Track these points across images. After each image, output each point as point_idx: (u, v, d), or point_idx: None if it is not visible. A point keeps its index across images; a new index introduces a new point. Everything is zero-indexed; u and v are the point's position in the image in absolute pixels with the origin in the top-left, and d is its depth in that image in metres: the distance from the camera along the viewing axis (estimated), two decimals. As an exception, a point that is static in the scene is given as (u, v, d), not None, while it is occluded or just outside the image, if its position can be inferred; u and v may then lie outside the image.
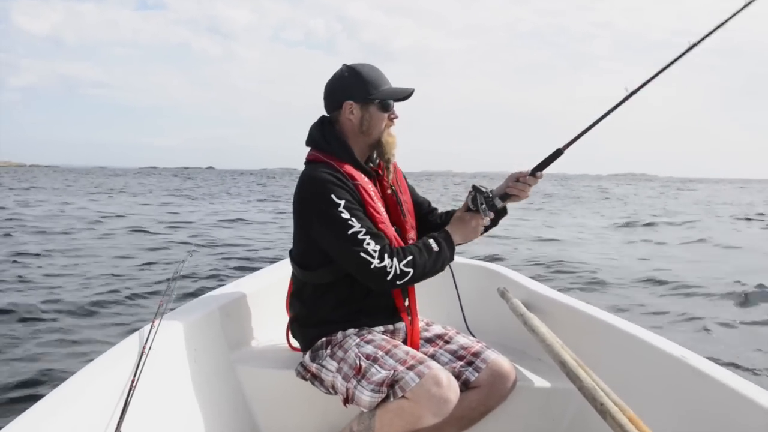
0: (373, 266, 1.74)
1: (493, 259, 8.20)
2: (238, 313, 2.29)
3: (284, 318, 2.11)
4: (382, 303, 1.91)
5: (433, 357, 1.86)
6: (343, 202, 1.77)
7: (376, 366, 1.70)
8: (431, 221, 2.16)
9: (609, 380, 1.65)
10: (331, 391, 1.85)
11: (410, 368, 1.64)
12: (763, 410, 1.39)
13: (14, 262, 7.70)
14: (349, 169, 1.86)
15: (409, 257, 1.79)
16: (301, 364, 1.95)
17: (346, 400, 1.75)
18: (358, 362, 1.74)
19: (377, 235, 1.79)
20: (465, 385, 1.81)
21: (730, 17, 1.77)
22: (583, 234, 13.31)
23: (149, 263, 7.96)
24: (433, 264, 1.84)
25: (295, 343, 2.07)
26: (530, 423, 2.06)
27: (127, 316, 5.18)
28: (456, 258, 2.00)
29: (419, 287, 1.95)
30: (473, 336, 2.07)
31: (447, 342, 1.97)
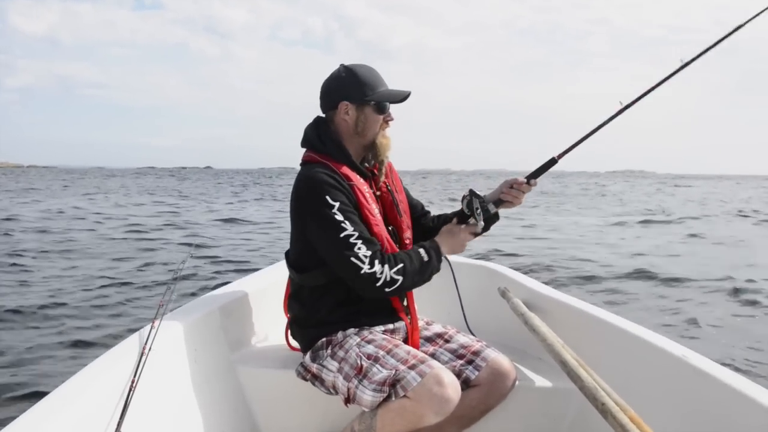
0: (363, 271, 1.75)
1: (490, 254, 8.24)
2: (238, 314, 2.29)
3: (284, 318, 2.11)
4: (381, 303, 1.91)
5: (433, 356, 1.86)
6: (337, 204, 1.77)
7: (377, 366, 1.70)
8: (424, 224, 2.17)
9: (610, 380, 1.65)
10: (332, 391, 1.85)
11: (412, 367, 1.65)
12: (764, 409, 1.39)
13: (13, 264, 7.69)
14: (344, 169, 1.86)
15: (400, 265, 1.80)
16: (302, 364, 1.95)
17: (348, 400, 1.75)
18: (359, 362, 1.74)
19: (369, 241, 1.79)
20: (465, 384, 1.81)
21: (724, 37, 1.85)
22: (576, 231, 13.35)
23: (148, 264, 7.96)
24: (421, 274, 1.85)
25: (295, 344, 2.07)
26: (531, 423, 2.06)
27: (127, 317, 5.18)
28: (456, 257, 2.01)
29: (419, 287, 1.95)
30: (473, 335, 2.07)
31: (447, 341, 1.97)
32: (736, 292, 6.58)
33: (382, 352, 1.74)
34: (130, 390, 1.48)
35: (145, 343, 1.66)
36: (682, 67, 1.87)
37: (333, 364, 1.82)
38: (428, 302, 2.23)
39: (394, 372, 1.65)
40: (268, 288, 2.49)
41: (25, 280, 6.71)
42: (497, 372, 1.85)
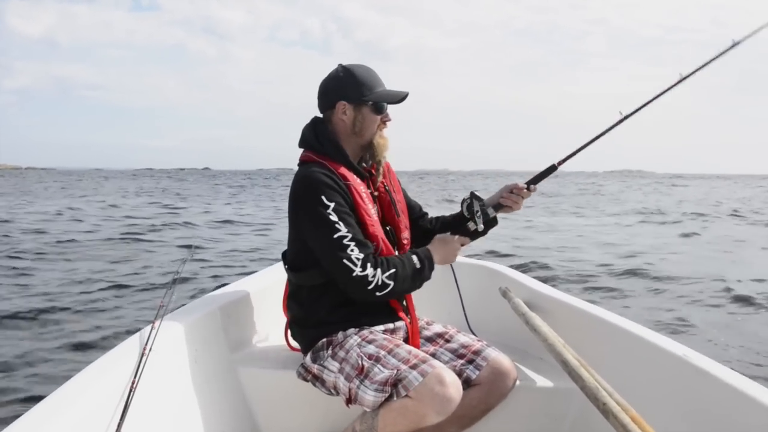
0: (354, 274, 1.75)
1: (485, 256, 8.26)
2: (238, 314, 2.29)
3: (285, 318, 2.10)
4: (380, 303, 1.90)
5: (433, 356, 1.86)
6: (333, 205, 1.77)
7: (378, 365, 1.70)
8: (422, 226, 2.18)
9: (611, 380, 1.65)
10: (333, 391, 1.85)
11: (413, 367, 1.64)
12: (765, 409, 1.39)
13: (13, 268, 7.67)
14: (342, 170, 1.86)
15: (392, 270, 1.80)
16: (302, 365, 1.95)
17: (349, 400, 1.75)
18: (360, 362, 1.74)
19: (363, 243, 1.79)
20: (466, 384, 1.81)
21: (723, 53, 1.89)
22: (570, 230, 13.39)
23: (146, 267, 7.95)
24: (412, 281, 1.86)
25: (295, 344, 2.07)
26: (532, 423, 2.06)
27: (127, 319, 5.17)
28: (457, 257, 2.01)
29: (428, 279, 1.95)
30: (475, 335, 2.07)
31: (447, 341, 1.97)
32: (727, 291, 6.63)
33: (383, 352, 1.74)
34: (131, 391, 1.48)
35: (146, 344, 1.66)
36: (680, 81, 1.91)
37: (334, 365, 1.82)
38: (429, 302, 2.23)
39: (395, 372, 1.65)
40: (268, 288, 2.48)
41: (23, 283, 6.70)
42: (498, 371, 1.84)
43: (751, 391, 1.46)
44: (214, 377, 1.98)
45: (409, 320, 1.96)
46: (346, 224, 1.78)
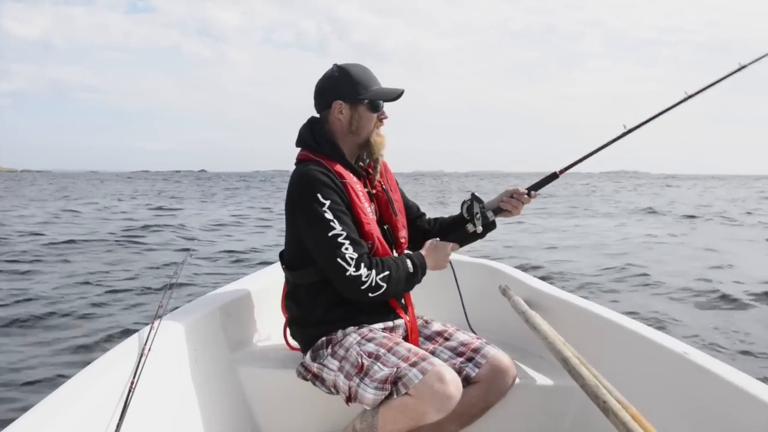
0: (348, 273, 1.75)
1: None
2: (238, 314, 2.28)
3: (284, 318, 2.10)
4: (378, 302, 1.90)
5: (433, 354, 1.85)
6: (328, 203, 1.78)
7: (378, 364, 1.70)
8: (420, 226, 2.18)
9: (611, 377, 1.64)
10: (333, 390, 1.84)
11: (413, 365, 1.64)
12: (765, 405, 1.38)
13: (12, 272, 7.64)
14: (338, 168, 1.87)
15: (386, 272, 1.80)
16: (302, 364, 1.95)
17: (349, 399, 1.75)
18: (360, 360, 1.74)
19: (357, 242, 1.80)
20: (465, 381, 1.81)
21: (730, 74, 1.92)
22: (558, 232, 13.44)
23: (146, 267, 7.94)
24: (405, 284, 1.87)
25: (294, 343, 2.07)
26: (532, 421, 2.06)
27: (125, 321, 5.16)
28: (457, 256, 2.02)
29: (419, 285, 1.95)
30: (475, 333, 2.07)
31: (447, 339, 1.97)
32: (710, 291, 6.67)
33: (383, 350, 1.74)
34: (130, 391, 1.47)
35: (145, 344, 1.65)
36: (685, 99, 1.94)
37: (334, 363, 1.82)
38: (428, 300, 2.23)
39: (395, 370, 1.65)
40: (267, 288, 2.48)
41: (23, 284, 6.68)
42: (497, 369, 1.85)
43: (751, 389, 1.45)
44: (213, 377, 1.97)
45: (408, 318, 1.96)
46: (342, 222, 1.78)
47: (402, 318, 1.95)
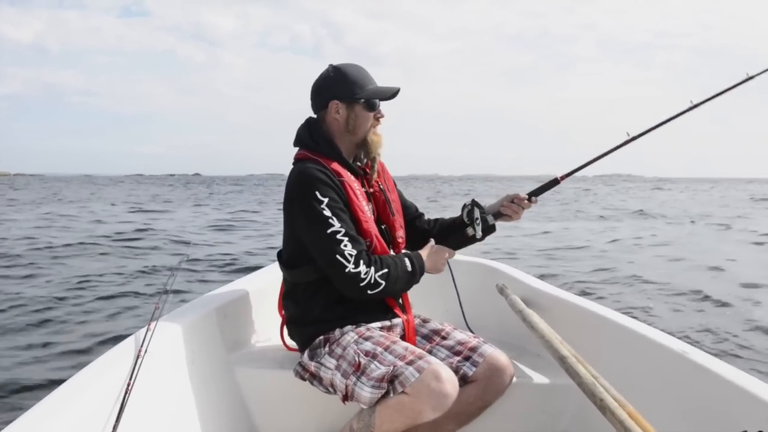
0: (347, 270, 1.76)
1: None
2: (235, 315, 2.28)
3: (281, 319, 2.10)
4: (375, 300, 1.91)
5: (430, 353, 1.86)
6: (326, 200, 1.78)
7: (375, 362, 1.70)
8: (419, 226, 2.19)
9: (608, 376, 1.65)
10: (330, 389, 1.84)
11: (409, 363, 1.64)
12: (762, 404, 1.39)
13: (6, 276, 7.59)
14: (336, 166, 1.88)
15: (385, 270, 1.81)
16: (300, 363, 1.95)
17: (345, 397, 1.75)
18: (357, 359, 1.74)
19: (356, 239, 1.80)
20: (463, 380, 1.81)
21: (733, 86, 1.92)
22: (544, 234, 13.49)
23: (143, 269, 7.91)
24: (403, 283, 1.87)
25: (291, 343, 2.07)
26: (530, 419, 2.06)
27: (123, 323, 5.15)
28: (455, 255, 2.03)
29: (417, 284, 1.95)
30: (472, 332, 2.07)
31: (444, 338, 1.97)
32: (691, 293, 6.74)
33: (379, 349, 1.74)
34: (126, 392, 1.46)
35: (141, 346, 1.64)
36: (691, 108, 1.95)
37: (331, 362, 1.82)
38: (426, 299, 2.23)
39: (392, 368, 1.65)
40: (264, 289, 2.48)
41: (18, 288, 6.65)
42: (494, 367, 1.85)
43: (748, 386, 1.46)
44: (211, 378, 1.97)
45: (405, 317, 1.96)
46: (340, 220, 1.78)
47: (400, 317, 1.95)
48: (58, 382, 1.48)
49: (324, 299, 1.89)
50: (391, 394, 1.64)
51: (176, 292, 6.19)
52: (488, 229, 2.02)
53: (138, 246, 10.82)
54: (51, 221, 16.17)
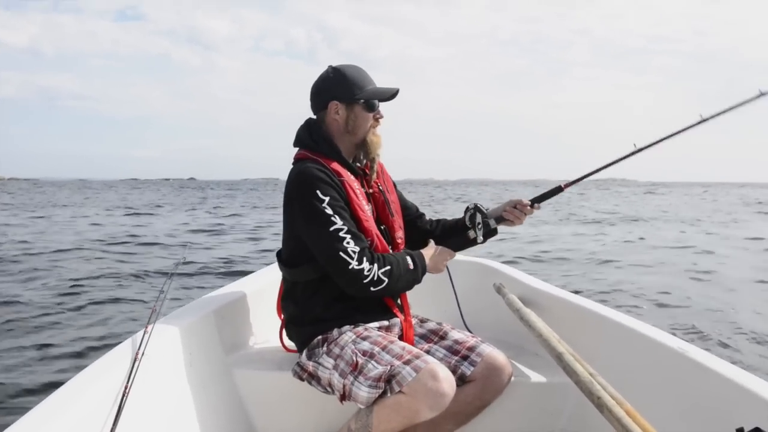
0: (351, 267, 1.76)
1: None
2: (233, 316, 2.27)
3: (279, 320, 2.09)
4: (374, 299, 1.91)
5: (428, 352, 1.85)
6: (327, 199, 1.78)
7: (372, 362, 1.70)
8: (420, 227, 2.19)
9: (606, 374, 1.65)
10: (328, 389, 1.84)
11: (407, 363, 1.64)
12: (761, 401, 1.39)
13: (0, 281, 7.56)
14: (336, 166, 1.88)
15: (388, 267, 1.81)
16: (298, 363, 1.94)
17: (343, 397, 1.75)
18: (354, 359, 1.74)
19: (358, 237, 1.80)
20: (461, 380, 1.82)
21: (744, 102, 1.90)
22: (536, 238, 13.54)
23: (141, 271, 7.89)
24: (405, 281, 1.87)
25: (289, 344, 2.07)
26: (528, 418, 2.06)
27: (121, 325, 5.12)
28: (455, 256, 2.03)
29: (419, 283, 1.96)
30: (470, 332, 2.07)
31: (442, 337, 1.98)
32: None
33: (377, 349, 1.74)
34: (124, 395, 1.46)
35: (139, 348, 1.63)
36: (699, 123, 1.95)
37: (329, 361, 1.82)
38: (424, 299, 2.23)
39: (389, 368, 1.65)
40: (262, 290, 2.48)
41: (15, 291, 6.62)
42: (492, 367, 1.85)
43: (746, 383, 1.46)
44: (209, 380, 1.96)
45: (403, 317, 1.96)
46: (342, 218, 1.79)
47: (398, 317, 1.95)
48: (55, 385, 1.47)
49: (324, 298, 1.89)
50: (389, 394, 1.64)
51: (173, 299, 6.17)
52: (490, 232, 2.04)
53: (132, 251, 10.79)
54: (45, 226, 16.12)
